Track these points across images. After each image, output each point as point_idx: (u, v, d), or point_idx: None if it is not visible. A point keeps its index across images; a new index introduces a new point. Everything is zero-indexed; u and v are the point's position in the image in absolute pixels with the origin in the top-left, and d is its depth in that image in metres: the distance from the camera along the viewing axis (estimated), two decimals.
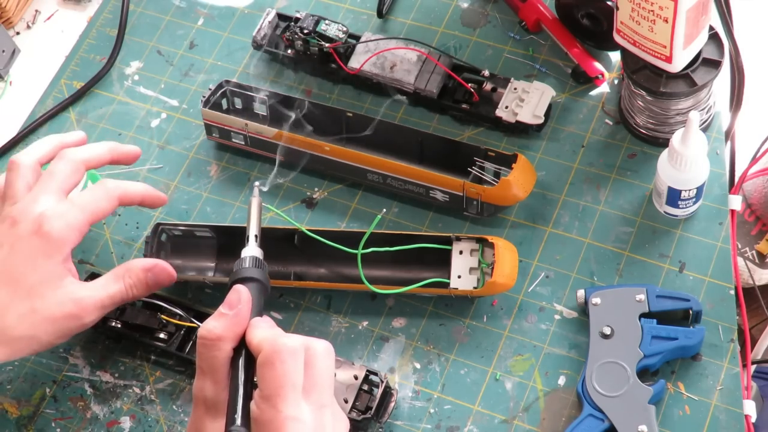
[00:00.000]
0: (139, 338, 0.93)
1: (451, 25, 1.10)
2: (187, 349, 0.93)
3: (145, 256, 0.95)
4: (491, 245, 0.91)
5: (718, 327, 0.90)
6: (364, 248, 0.91)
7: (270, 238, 0.96)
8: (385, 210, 0.99)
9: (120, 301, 0.86)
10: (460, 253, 0.92)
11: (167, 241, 0.98)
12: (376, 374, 0.88)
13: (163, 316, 0.93)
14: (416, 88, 1.03)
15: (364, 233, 0.91)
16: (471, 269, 0.92)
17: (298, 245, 0.96)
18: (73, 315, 0.83)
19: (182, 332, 0.93)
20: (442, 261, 0.93)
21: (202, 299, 0.97)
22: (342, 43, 1.05)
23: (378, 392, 0.87)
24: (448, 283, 0.91)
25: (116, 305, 0.86)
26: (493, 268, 0.90)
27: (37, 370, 0.96)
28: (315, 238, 0.92)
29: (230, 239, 0.98)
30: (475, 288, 0.91)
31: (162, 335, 0.93)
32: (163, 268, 0.88)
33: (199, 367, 0.75)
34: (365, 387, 0.88)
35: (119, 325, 0.94)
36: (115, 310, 0.93)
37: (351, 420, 0.87)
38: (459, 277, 0.92)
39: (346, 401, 0.87)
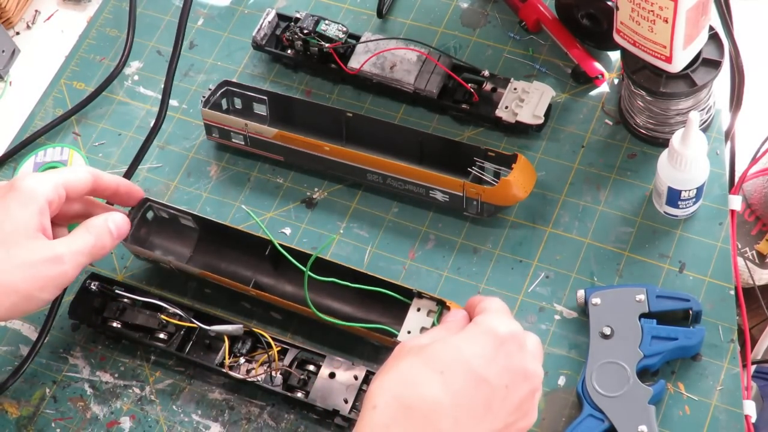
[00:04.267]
0: (139, 338, 0.93)
1: (451, 25, 1.10)
2: (187, 349, 0.93)
3: None
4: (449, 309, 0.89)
5: (718, 327, 0.90)
6: (324, 277, 0.90)
7: (246, 244, 0.97)
8: (341, 232, 0.99)
9: (93, 253, 0.85)
10: (418, 310, 0.90)
11: (153, 221, 0.99)
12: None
13: (163, 316, 0.93)
14: (416, 88, 1.03)
15: (345, 267, 0.92)
16: (422, 328, 0.89)
17: (269, 257, 0.95)
18: (51, 259, 0.81)
19: (182, 332, 0.93)
20: (402, 311, 0.90)
21: (202, 299, 0.97)
22: (342, 43, 1.05)
23: None
24: (396, 334, 0.89)
25: (92, 258, 0.85)
26: None
27: (37, 371, 0.96)
28: (282, 254, 0.92)
29: (212, 234, 0.98)
30: None
31: (162, 335, 0.93)
32: (120, 214, 0.89)
33: None
34: (365, 387, 0.88)
35: (119, 325, 0.94)
36: (114, 310, 0.94)
37: (351, 420, 0.87)
38: (409, 332, 0.89)
39: (346, 401, 0.87)
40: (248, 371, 0.90)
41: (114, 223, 0.88)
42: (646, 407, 0.85)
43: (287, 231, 1.00)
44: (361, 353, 0.93)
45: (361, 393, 0.88)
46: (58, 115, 1.10)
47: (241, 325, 0.91)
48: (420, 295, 0.90)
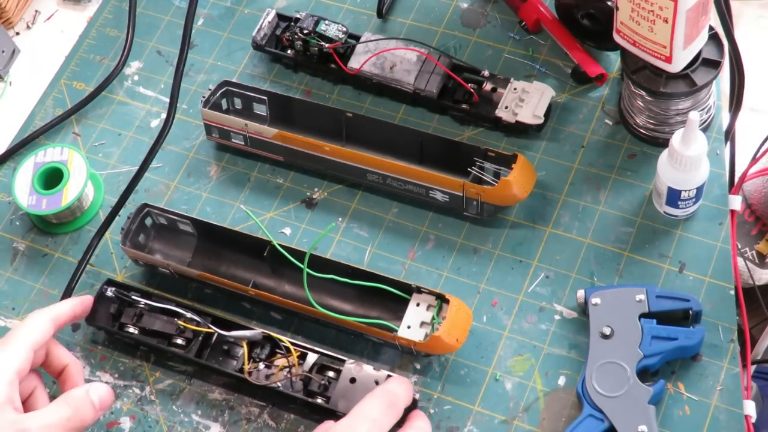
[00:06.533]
0: (157, 344, 0.93)
1: (451, 25, 1.10)
2: (206, 355, 0.92)
3: (122, 230, 0.96)
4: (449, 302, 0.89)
5: (718, 327, 0.90)
6: (322, 273, 0.91)
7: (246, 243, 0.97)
8: (340, 219, 1.00)
9: (69, 427, 0.80)
10: (418, 305, 0.90)
11: (151, 228, 0.99)
12: None
13: (180, 321, 0.92)
14: (416, 88, 1.03)
15: (343, 264, 0.92)
16: (423, 323, 0.90)
17: (268, 257, 0.95)
18: None
19: (200, 338, 0.92)
20: (401, 308, 0.91)
21: (203, 300, 0.97)
22: (342, 43, 1.05)
23: None
24: (396, 329, 0.90)
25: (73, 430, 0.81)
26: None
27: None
28: (283, 254, 0.92)
29: (210, 236, 0.98)
30: (419, 341, 0.88)
31: (179, 341, 0.92)
32: (103, 385, 0.84)
33: None
34: None
35: (136, 331, 0.93)
36: (131, 315, 0.93)
37: None
38: (408, 327, 0.90)
39: None
40: (267, 377, 0.89)
41: (97, 394, 0.83)
42: (646, 407, 0.85)
43: (287, 231, 1.00)
44: (361, 352, 0.93)
45: None
46: (58, 115, 1.10)
47: (260, 331, 0.90)
48: (419, 290, 0.90)
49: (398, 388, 0.83)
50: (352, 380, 0.87)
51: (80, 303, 0.92)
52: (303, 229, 1.00)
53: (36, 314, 0.86)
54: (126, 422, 0.93)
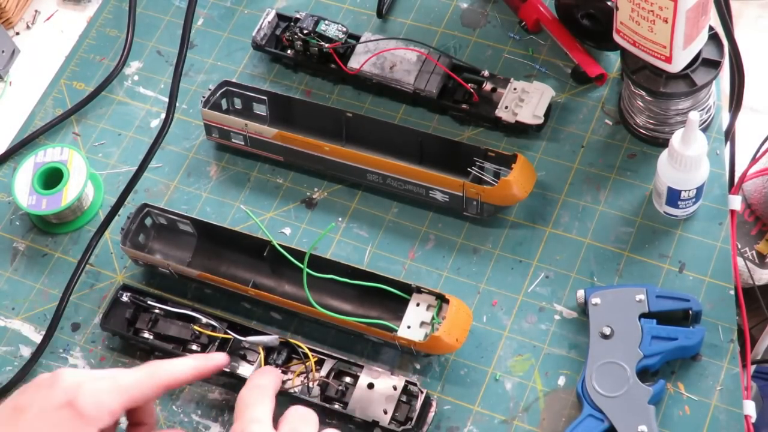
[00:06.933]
0: (173, 350, 0.92)
1: (451, 25, 1.10)
2: None
3: (122, 230, 0.96)
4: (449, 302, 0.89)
5: (718, 327, 0.90)
6: (322, 273, 0.91)
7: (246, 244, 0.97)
8: (340, 219, 1.00)
9: None
10: (417, 305, 0.90)
11: (151, 228, 0.99)
12: (415, 384, 0.87)
13: (196, 327, 0.92)
14: (416, 88, 1.03)
15: (343, 264, 0.92)
16: (422, 323, 0.90)
17: (268, 257, 0.95)
18: None
19: (216, 343, 0.91)
20: (401, 308, 0.91)
21: (203, 300, 0.97)
22: (342, 43, 1.05)
23: (418, 403, 0.86)
24: (395, 329, 0.90)
25: None
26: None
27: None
28: (283, 254, 0.92)
29: (210, 236, 0.98)
30: (419, 341, 0.88)
31: (195, 347, 0.92)
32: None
33: None
34: (404, 398, 0.87)
35: (151, 337, 0.93)
36: (146, 321, 0.93)
37: (391, 431, 0.86)
38: (408, 327, 0.90)
39: (385, 412, 0.86)
40: (284, 382, 0.89)
41: None
42: (646, 407, 0.85)
43: (287, 231, 1.00)
44: (361, 352, 0.93)
45: (400, 403, 0.86)
46: (58, 115, 1.10)
47: (276, 336, 0.90)
48: (419, 290, 0.90)
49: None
50: (370, 386, 0.87)
51: (206, 365, 0.83)
52: (303, 229, 1.00)
53: (154, 373, 0.78)
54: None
